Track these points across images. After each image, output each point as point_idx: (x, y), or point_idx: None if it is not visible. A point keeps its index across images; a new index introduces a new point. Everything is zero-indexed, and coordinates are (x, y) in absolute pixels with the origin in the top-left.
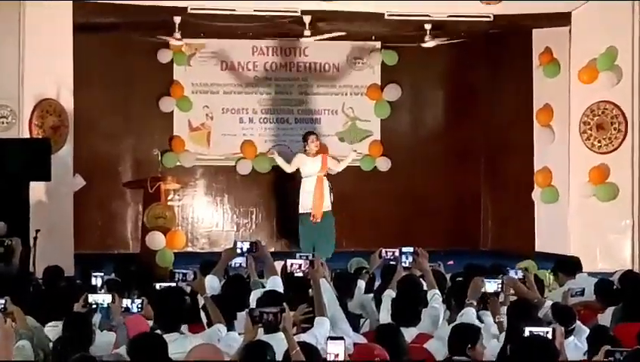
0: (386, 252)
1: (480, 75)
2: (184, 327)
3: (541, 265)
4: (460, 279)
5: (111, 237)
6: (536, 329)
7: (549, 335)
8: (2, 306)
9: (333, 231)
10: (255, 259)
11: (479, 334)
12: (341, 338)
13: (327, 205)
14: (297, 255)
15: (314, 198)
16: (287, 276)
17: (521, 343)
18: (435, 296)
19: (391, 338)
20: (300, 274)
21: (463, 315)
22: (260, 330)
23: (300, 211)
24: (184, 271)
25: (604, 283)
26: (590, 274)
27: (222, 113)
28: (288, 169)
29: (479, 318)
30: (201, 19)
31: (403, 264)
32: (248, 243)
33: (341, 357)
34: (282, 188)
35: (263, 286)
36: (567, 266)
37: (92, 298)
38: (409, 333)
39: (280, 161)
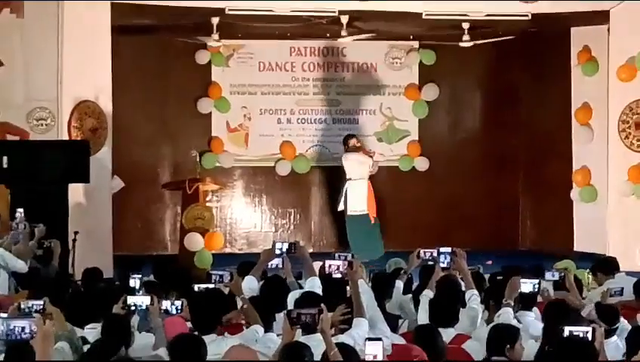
0: (424, 252)
1: (518, 74)
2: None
3: (580, 265)
4: (500, 278)
5: (150, 238)
6: (575, 329)
7: (589, 336)
8: (41, 307)
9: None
10: (294, 259)
11: (518, 334)
12: (379, 339)
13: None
14: (336, 255)
15: (368, 200)
16: (325, 277)
17: (560, 343)
18: (473, 297)
19: (429, 339)
20: (339, 276)
21: (501, 315)
22: (299, 331)
23: (352, 213)
24: (220, 272)
25: None
26: (629, 273)
27: (260, 114)
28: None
29: (517, 318)
30: (239, 20)
31: (441, 264)
32: (287, 243)
33: (379, 358)
34: (321, 189)
35: (301, 287)
36: (606, 266)
37: (131, 300)
38: (447, 334)
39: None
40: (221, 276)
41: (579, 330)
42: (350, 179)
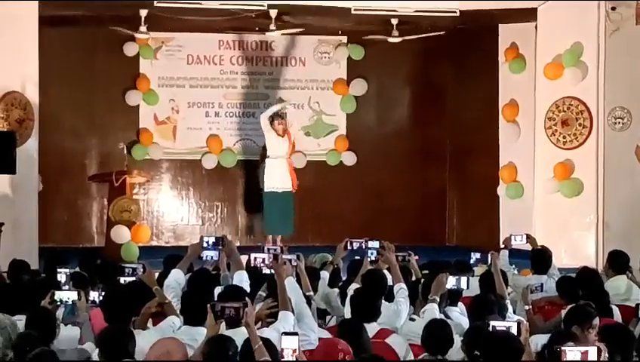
0: (351, 243)
1: (446, 71)
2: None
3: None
4: (425, 272)
5: (76, 231)
6: (500, 324)
7: (514, 330)
8: None
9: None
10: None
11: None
12: (295, 333)
13: (290, 184)
14: (265, 248)
15: (291, 177)
16: (253, 270)
17: (486, 338)
18: (401, 290)
19: (353, 334)
20: (267, 270)
21: (426, 311)
22: (223, 325)
23: (272, 190)
24: (133, 266)
25: (565, 280)
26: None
27: (188, 107)
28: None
29: (445, 314)
30: (168, 13)
31: (369, 258)
32: (215, 237)
33: (296, 352)
34: (248, 182)
35: None
36: (543, 260)
37: (58, 295)
38: (370, 328)
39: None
40: (134, 269)
41: (504, 324)
42: (269, 157)
